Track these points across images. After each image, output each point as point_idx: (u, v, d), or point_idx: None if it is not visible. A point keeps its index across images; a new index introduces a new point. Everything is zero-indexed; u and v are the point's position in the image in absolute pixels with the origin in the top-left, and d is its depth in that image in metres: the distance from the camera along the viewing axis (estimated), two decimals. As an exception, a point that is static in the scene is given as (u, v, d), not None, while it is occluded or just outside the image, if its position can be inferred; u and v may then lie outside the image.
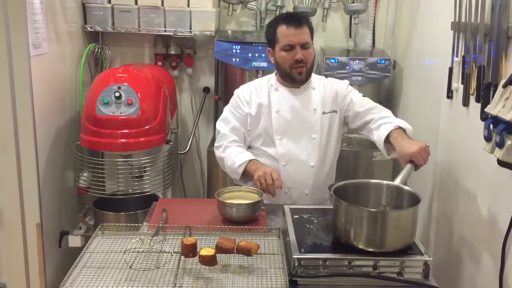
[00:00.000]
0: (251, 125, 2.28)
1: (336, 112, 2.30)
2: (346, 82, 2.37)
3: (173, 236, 1.73)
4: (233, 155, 2.20)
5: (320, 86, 2.32)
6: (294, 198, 2.24)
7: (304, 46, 2.19)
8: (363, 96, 2.33)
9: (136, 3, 3.10)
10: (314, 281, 1.55)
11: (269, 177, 2.03)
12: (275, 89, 2.29)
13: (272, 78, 2.32)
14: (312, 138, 2.27)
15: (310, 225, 1.81)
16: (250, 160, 2.16)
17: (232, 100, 2.34)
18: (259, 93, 2.30)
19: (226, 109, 2.33)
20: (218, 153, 2.28)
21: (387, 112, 2.25)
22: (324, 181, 2.27)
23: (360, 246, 1.59)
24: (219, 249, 1.55)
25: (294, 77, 2.24)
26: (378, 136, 2.12)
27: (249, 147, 2.32)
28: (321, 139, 2.27)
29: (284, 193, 2.24)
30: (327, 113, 2.28)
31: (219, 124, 2.31)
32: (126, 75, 2.66)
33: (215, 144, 2.31)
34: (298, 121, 2.26)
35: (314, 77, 2.36)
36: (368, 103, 2.29)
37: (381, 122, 2.15)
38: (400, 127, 2.07)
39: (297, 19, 2.21)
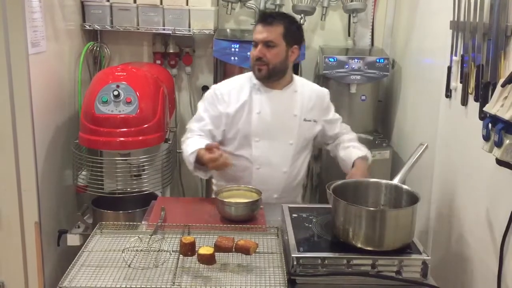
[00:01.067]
0: (227, 126, 2.24)
1: (316, 122, 2.31)
2: (327, 91, 2.39)
3: (172, 235, 1.73)
4: (188, 146, 2.16)
5: (303, 90, 2.31)
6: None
7: (268, 44, 2.17)
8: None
9: (134, 1, 3.10)
10: (313, 280, 1.55)
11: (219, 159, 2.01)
12: (258, 90, 2.26)
13: (254, 77, 2.28)
14: (289, 143, 2.25)
15: (309, 224, 1.81)
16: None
17: (208, 96, 2.29)
18: (239, 93, 2.26)
19: (201, 107, 2.29)
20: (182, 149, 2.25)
21: (353, 134, 2.41)
22: (295, 186, 2.27)
23: (359, 245, 1.59)
24: (218, 248, 1.55)
25: (255, 73, 2.23)
26: (347, 156, 2.27)
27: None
28: (297, 145, 2.26)
29: None
30: (308, 121, 2.28)
31: (191, 122, 2.29)
32: (124, 74, 2.66)
33: (181, 140, 2.29)
34: (277, 125, 2.24)
35: (298, 79, 2.34)
36: (345, 128, 2.42)
37: (350, 145, 2.31)
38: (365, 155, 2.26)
39: (267, 16, 2.20)
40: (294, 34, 2.23)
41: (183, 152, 2.21)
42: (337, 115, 2.44)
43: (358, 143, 2.36)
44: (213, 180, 2.46)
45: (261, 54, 2.17)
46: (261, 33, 2.17)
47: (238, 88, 2.27)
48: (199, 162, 2.11)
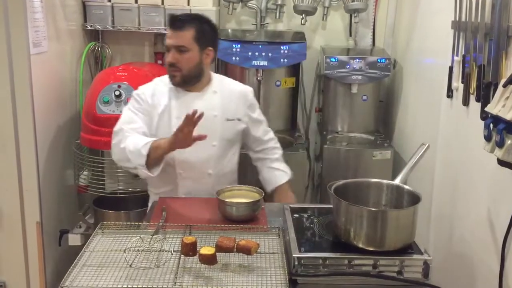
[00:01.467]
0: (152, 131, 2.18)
1: (240, 120, 2.29)
2: (251, 89, 2.37)
3: (173, 235, 1.73)
4: (136, 139, 2.07)
5: (223, 89, 2.28)
6: None
7: (180, 49, 2.12)
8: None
9: (136, 1, 3.10)
10: (314, 280, 1.55)
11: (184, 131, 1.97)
12: (176, 93, 2.21)
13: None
14: (212, 145, 2.22)
15: (310, 224, 1.81)
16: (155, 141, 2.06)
17: (132, 102, 2.21)
18: (159, 97, 2.21)
19: (128, 110, 2.20)
20: (116, 148, 2.12)
21: (279, 152, 2.44)
22: (225, 185, 2.24)
23: (360, 245, 1.59)
24: (219, 248, 1.55)
25: (170, 79, 2.19)
26: (271, 179, 2.38)
27: None
28: (220, 146, 2.24)
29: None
30: (231, 120, 2.25)
31: (120, 125, 2.15)
32: (126, 74, 2.67)
33: (112, 142, 2.14)
34: (198, 127, 2.13)
35: (216, 79, 2.30)
36: (268, 133, 2.42)
37: (275, 166, 2.40)
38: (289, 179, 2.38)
39: (177, 21, 2.14)
40: (207, 36, 2.18)
41: (125, 148, 2.07)
42: (262, 117, 2.41)
43: (283, 163, 2.43)
44: (151, 189, 2.37)
45: (174, 59, 2.12)
46: (172, 38, 2.12)
47: (159, 92, 2.22)
48: (150, 157, 2.04)
